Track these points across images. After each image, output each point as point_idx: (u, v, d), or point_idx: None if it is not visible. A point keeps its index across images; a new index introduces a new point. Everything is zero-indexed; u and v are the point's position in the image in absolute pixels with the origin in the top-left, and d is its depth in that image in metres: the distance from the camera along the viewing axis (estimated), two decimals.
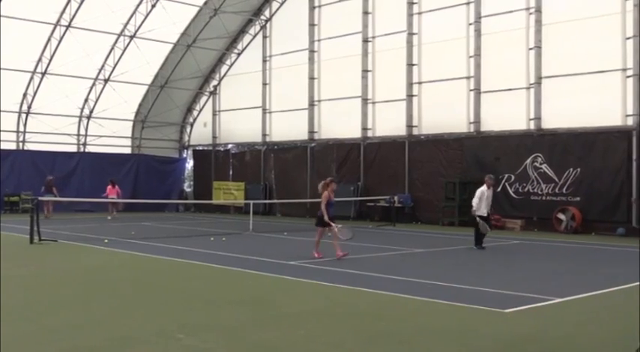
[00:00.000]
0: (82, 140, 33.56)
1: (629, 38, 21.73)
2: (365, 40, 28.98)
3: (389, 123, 28.10)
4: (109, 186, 28.39)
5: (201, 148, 36.96)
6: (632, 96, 21.70)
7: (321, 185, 14.79)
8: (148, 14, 30.02)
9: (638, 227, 21.27)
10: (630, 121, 21.77)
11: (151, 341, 7.11)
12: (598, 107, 22.36)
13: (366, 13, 28.92)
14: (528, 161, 23.76)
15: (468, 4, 25.66)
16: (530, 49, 23.95)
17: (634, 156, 21.52)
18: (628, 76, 21.79)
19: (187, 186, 38.64)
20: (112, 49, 31.15)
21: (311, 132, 31.10)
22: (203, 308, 8.98)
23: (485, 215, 16.89)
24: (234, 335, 7.43)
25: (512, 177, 24.06)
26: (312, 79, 31.08)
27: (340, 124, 29.98)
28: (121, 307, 9.03)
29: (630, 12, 21.69)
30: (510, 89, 24.48)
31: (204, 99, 36.35)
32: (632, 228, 21.36)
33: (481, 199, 16.75)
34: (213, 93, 35.92)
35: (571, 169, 22.74)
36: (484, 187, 16.93)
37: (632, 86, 21.66)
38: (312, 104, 31.10)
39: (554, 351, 6.93)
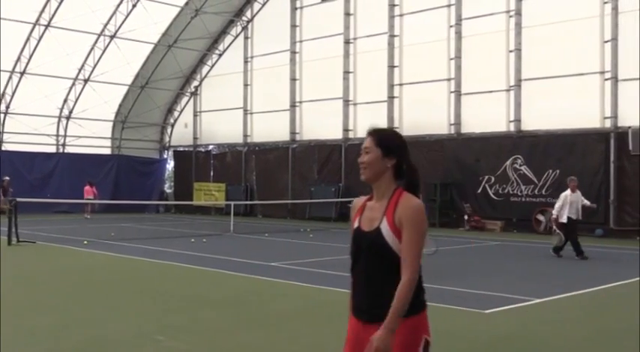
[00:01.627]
0: (62, 141, 33.26)
1: (607, 41, 21.99)
2: (347, 42, 29.03)
3: (370, 125, 27.93)
4: (87, 187, 28.63)
5: (181, 149, 36.78)
6: (609, 98, 21.95)
7: None
8: (128, 14, 29.84)
9: (616, 228, 21.52)
10: (608, 123, 22.02)
11: (131, 343, 7.06)
12: (577, 109, 22.59)
13: (347, 14, 28.98)
14: (508, 162, 23.94)
15: (448, 6, 25.80)
16: (511, 51, 24.14)
17: (612, 158, 21.76)
18: (606, 79, 22.04)
19: (168, 187, 38.43)
20: (92, 48, 30.92)
21: (292, 133, 31.09)
22: (183, 310, 8.93)
23: (574, 219, 15.27)
24: (215, 336, 7.41)
25: (493, 179, 24.22)
26: (293, 80, 31.06)
27: (322, 125, 30.00)
28: (100, 309, 8.96)
29: (608, 15, 21.95)
30: (490, 91, 24.65)
31: (185, 99, 36.19)
32: (610, 229, 21.60)
33: (564, 204, 15.25)
34: (194, 93, 35.78)
35: (550, 171, 22.94)
36: (567, 191, 15.45)
37: (610, 89, 21.91)
38: (293, 105, 31.09)
39: (534, 351, 6.99)
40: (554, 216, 15.52)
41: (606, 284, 11.31)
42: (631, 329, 8.09)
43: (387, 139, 3.63)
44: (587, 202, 15.79)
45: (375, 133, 3.67)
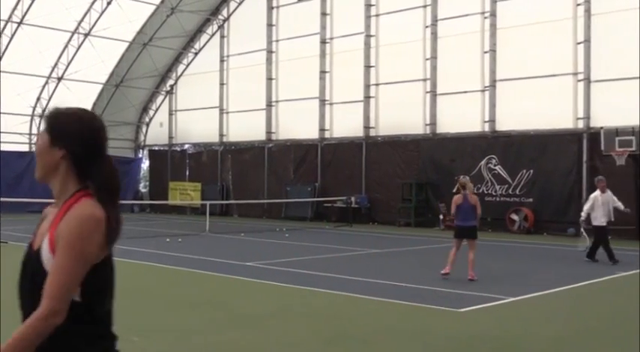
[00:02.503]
0: (34, 139, 32.82)
1: (579, 43, 22.27)
2: (323, 42, 29.05)
3: (346, 125, 28.22)
4: None
5: (157, 148, 36.52)
6: (582, 99, 22.24)
7: (459, 186, 12.24)
8: (103, 12, 29.53)
9: (588, 227, 21.72)
10: (581, 124, 22.31)
11: None
12: (550, 110, 22.85)
13: (324, 14, 28.99)
14: (483, 162, 24.14)
15: (424, 7, 25.94)
16: (485, 52, 24.35)
17: (584, 158, 22.05)
18: (579, 80, 22.33)
19: (143, 187, 38.13)
20: (66, 46, 30.57)
21: (268, 132, 31.03)
22: (158, 310, 8.87)
23: (604, 224, 14.29)
24: (190, 337, 7.37)
25: (468, 179, 24.35)
26: (269, 79, 31.01)
27: (298, 125, 29.99)
28: None
29: (581, 17, 22.23)
30: (466, 91, 24.83)
31: (160, 98, 35.94)
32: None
33: (594, 206, 14.29)
34: (169, 92, 35.54)
35: (524, 171, 23.18)
36: (597, 192, 14.46)
37: (583, 90, 22.20)
38: (269, 105, 31.03)
39: (508, 349, 7.06)
40: (582, 218, 14.70)
41: (579, 282, 11.46)
42: (605, 326, 8.21)
43: (59, 122, 2.67)
44: (620, 205, 14.65)
45: (50, 115, 2.70)
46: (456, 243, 11.88)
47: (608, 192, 14.51)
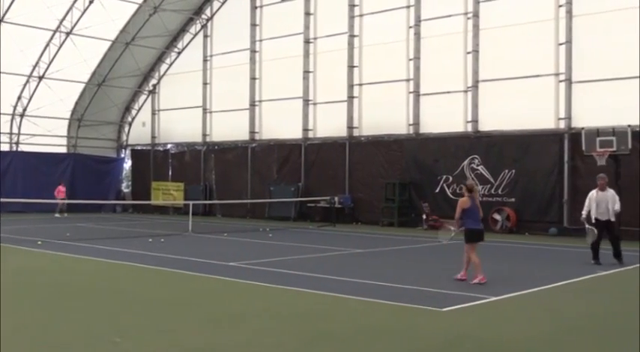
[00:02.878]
0: (15, 139, 32.52)
1: (561, 44, 22.46)
2: (306, 41, 29.04)
3: (330, 124, 28.24)
4: (59, 187, 30.04)
5: (139, 148, 36.32)
6: (563, 100, 22.42)
7: (464, 189, 11.97)
8: (85, 10, 29.31)
9: (569, 227, 21.97)
10: (562, 124, 22.49)
11: (86, 345, 6.95)
12: (532, 110, 23.01)
13: (307, 14, 28.99)
14: (465, 162, 24.26)
15: (408, 7, 26.02)
16: (468, 53, 24.46)
17: (565, 158, 22.24)
18: (560, 81, 22.51)
19: (125, 187, 37.90)
20: (48, 45, 30.31)
21: (252, 132, 30.97)
22: (141, 311, 8.83)
23: (601, 220, 14.09)
24: (173, 337, 7.34)
25: (450, 179, 24.51)
26: (253, 79, 30.96)
27: (281, 125, 29.96)
28: (55, 311, 8.80)
29: (563, 19, 22.42)
30: (449, 92, 24.94)
31: (143, 98, 35.75)
32: (564, 228, 22.06)
33: (591, 203, 14.25)
34: (152, 92, 35.36)
35: (506, 171, 23.32)
36: (594, 190, 14.39)
37: (564, 90, 22.38)
38: (253, 104, 30.98)
39: (490, 348, 7.09)
40: (583, 216, 14.50)
41: (560, 281, 11.54)
42: (585, 325, 8.28)
43: None
44: (617, 206, 14.15)
45: None
46: (472, 247, 11.46)
47: (609, 191, 14.23)
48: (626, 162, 19.95)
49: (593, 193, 14.37)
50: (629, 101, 20.81)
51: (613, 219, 14.13)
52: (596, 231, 14.13)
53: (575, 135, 21.76)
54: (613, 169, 19.83)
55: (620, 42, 21.25)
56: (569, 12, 22.25)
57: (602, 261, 14.14)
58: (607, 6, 21.46)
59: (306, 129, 29.07)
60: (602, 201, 14.10)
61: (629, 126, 19.75)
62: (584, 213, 14.45)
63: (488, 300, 9.67)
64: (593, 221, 14.16)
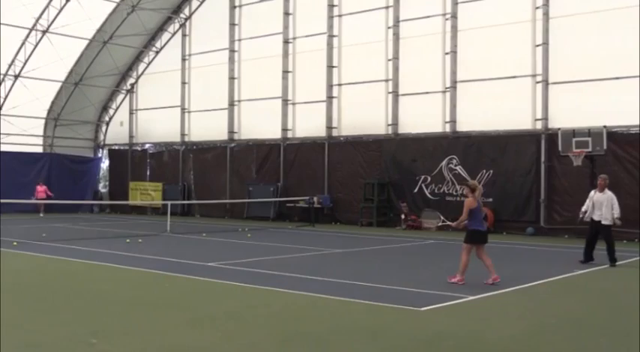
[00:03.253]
0: None
1: (538, 45, 22.67)
2: (286, 41, 29.01)
3: (309, 125, 28.25)
4: (38, 187, 30.23)
5: (117, 148, 36.04)
6: (540, 101, 22.64)
7: (467, 189, 11.56)
8: (62, 8, 29.00)
9: (546, 226, 22.19)
10: (539, 125, 22.71)
11: (63, 347, 6.88)
12: (510, 111, 23.21)
13: (287, 14, 28.96)
14: (444, 163, 24.39)
15: (387, 8, 26.10)
16: (447, 53, 24.60)
17: (542, 159, 22.45)
18: (537, 82, 22.72)
19: (102, 187, 37.60)
20: (23, 43, 29.95)
21: (231, 132, 30.88)
22: (118, 312, 8.76)
23: (596, 220, 14.03)
24: (150, 338, 7.29)
25: (429, 179, 24.63)
26: (232, 78, 30.86)
27: (260, 125, 29.91)
28: (31, 312, 8.69)
29: (540, 20, 22.63)
30: (427, 92, 25.06)
31: (120, 97, 35.48)
32: (541, 228, 22.27)
33: (588, 203, 14.23)
34: (130, 91, 35.11)
35: (484, 171, 23.48)
36: (594, 190, 14.36)
37: (541, 91, 22.60)
38: (232, 104, 30.88)
39: (467, 347, 7.14)
40: (580, 217, 14.54)
41: (537, 281, 11.64)
42: (562, 324, 8.36)
43: None
44: (616, 212, 13.97)
45: None
46: (469, 248, 11.25)
47: (607, 193, 14.04)
48: (602, 162, 20.18)
49: (592, 193, 14.33)
50: (604, 102, 21.08)
51: (605, 222, 13.95)
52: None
53: (551, 136, 21.98)
54: (589, 169, 20.07)
55: (596, 44, 21.51)
56: (546, 14, 22.47)
57: (596, 260, 14.09)
58: (583, 8, 21.71)
59: (285, 129, 29.04)
60: (598, 202, 14.03)
61: (604, 127, 19.99)
62: (582, 209, 14.41)
63: (466, 300, 9.73)
64: (588, 220, 14.16)
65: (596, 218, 14.06)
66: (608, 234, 14.07)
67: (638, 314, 8.62)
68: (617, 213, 13.97)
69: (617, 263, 13.96)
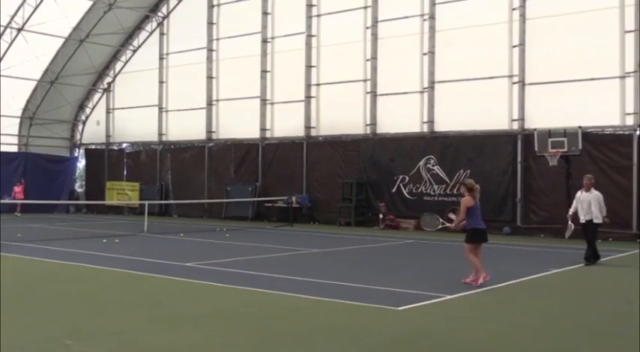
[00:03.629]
0: None
1: (515, 46, 22.87)
2: (264, 41, 28.96)
3: (287, 124, 28.22)
4: (16, 187, 30.05)
5: (93, 147, 35.73)
6: (517, 101, 22.84)
7: (463, 188, 11.52)
8: (37, 6, 28.70)
9: (522, 226, 22.39)
10: (515, 125, 22.91)
11: (38, 349, 6.80)
12: (487, 111, 23.39)
13: (265, 13, 28.91)
14: (421, 162, 24.51)
15: (365, 8, 26.17)
16: (424, 54, 24.72)
17: (519, 159, 22.66)
18: (514, 83, 22.92)
19: (79, 186, 37.25)
20: None
21: (209, 131, 30.75)
22: (94, 313, 8.68)
23: (583, 222, 14.16)
24: (127, 339, 7.24)
25: (407, 178, 24.73)
26: (210, 78, 30.74)
27: (238, 124, 29.82)
28: (5, 314, 8.58)
29: (516, 22, 22.84)
30: (405, 92, 25.16)
31: (97, 96, 35.17)
32: (517, 227, 22.48)
33: (576, 204, 14.37)
34: (107, 90, 34.81)
35: (461, 171, 23.63)
36: (581, 190, 14.44)
37: (518, 92, 22.80)
38: (210, 103, 30.76)
39: (443, 346, 7.18)
40: (568, 214, 14.59)
41: (513, 280, 11.74)
42: (537, 323, 8.44)
43: None
44: (603, 210, 14.17)
45: None
46: (472, 247, 11.10)
47: (594, 192, 14.18)
48: (577, 162, 20.44)
49: (578, 194, 14.42)
50: (580, 103, 21.34)
51: (596, 220, 14.04)
52: (572, 226, 14.26)
53: (528, 136, 22.20)
54: (564, 170, 20.30)
55: (572, 45, 21.77)
56: (523, 15, 22.68)
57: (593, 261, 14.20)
58: (559, 10, 21.97)
59: (263, 129, 28.99)
60: (586, 201, 14.13)
61: (579, 127, 20.25)
62: (570, 211, 14.51)
63: (443, 299, 9.79)
64: (582, 221, 14.20)
65: (582, 219, 14.13)
66: (593, 232, 14.23)
67: (613, 313, 8.72)
68: (604, 211, 14.16)
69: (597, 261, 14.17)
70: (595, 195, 14.16)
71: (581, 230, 14.35)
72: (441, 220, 11.41)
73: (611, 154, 20.99)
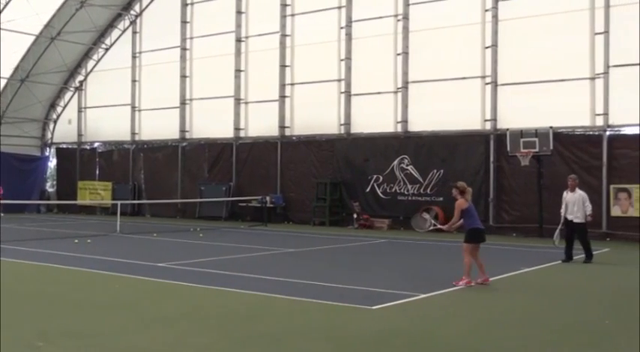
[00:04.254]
0: None
1: (487, 47, 23.09)
2: (238, 40, 28.86)
3: (261, 124, 28.16)
4: None
5: (65, 146, 35.30)
6: (489, 102, 23.06)
7: (455, 191, 11.48)
8: (7, 3, 28.28)
9: (494, 225, 22.60)
10: (488, 126, 23.13)
11: (8, 351, 6.70)
12: (460, 112, 23.57)
13: (239, 12, 28.81)
14: (395, 162, 24.62)
15: (339, 8, 26.21)
16: (398, 54, 24.84)
17: (491, 159, 22.88)
18: (486, 83, 23.14)
19: (50, 186, 36.77)
20: None
21: (182, 131, 30.56)
22: (66, 314, 8.59)
23: (568, 220, 14.43)
24: (99, 341, 7.17)
25: (381, 178, 24.83)
26: (183, 77, 30.55)
27: (212, 124, 29.68)
28: None
29: (489, 23, 23.06)
30: (379, 92, 25.26)
31: (69, 94, 34.73)
32: (490, 227, 22.63)
33: (564, 204, 14.56)
34: (78, 89, 34.40)
35: (435, 170, 23.80)
36: (566, 190, 14.63)
37: (490, 93, 23.02)
38: (183, 103, 30.57)
39: (417, 344, 7.23)
40: (562, 218, 14.70)
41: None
42: (509, 320, 8.54)
43: None
44: (587, 209, 14.35)
45: None
46: (474, 248, 11.11)
47: (578, 192, 14.37)
48: (548, 162, 20.71)
49: (564, 194, 14.60)
50: (551, 103, 21.62)
51: (577, 220, 14.28)
52: (557, 231, 14.66)
53: (500, 136, 22.42)
54: (536, 169, 20.55)
55: (543, 46, 22.03)
56: (495, 16, 22.91)
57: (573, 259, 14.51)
58: (531, 11, 22.23)
59: (237, 129, 28.90)
60: (571, 202, 14.35)
61: (551, 127, 20.53)
62: (561, 212, 14.66)
63: (417, 297, 9.85)
64: (562, 220, 14.53)
65: (569, 217, 14.39)
66: (581, 231, 14.47)
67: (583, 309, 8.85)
68: (588, 210, 14.35)
69: (592, 259, 14.51)
70: (579, 195, 14.36)
71: (565, 227, 14.58)
72: (433, 222, 11.29)
73: (582, 154, 21.29)
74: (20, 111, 32.96)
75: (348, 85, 25.91)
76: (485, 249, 11.48)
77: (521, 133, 20.80)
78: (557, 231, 14.97)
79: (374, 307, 9.05)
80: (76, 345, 6.95)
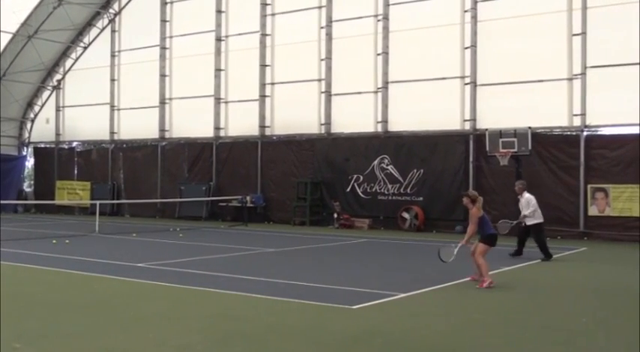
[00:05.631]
0: None
1: (467, 48, 23.23)
2: (218, 39, 28.76)
3: (242, 123, 28.09)
4: None
5: (43, 146, 34.97)
6: (469, 102, 23.21)
7: (467, 199, 11.53)
8: None
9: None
10: (467, 126, 23.27)
11: None
12: (439, 112, 23.70)
13: (219, 11, 28.71)
14: (376, 162, 24.69)
15: (319, 8, 26.23)
16: (378, 54, 24.91)
17: (471, 159, 23.02)
18: (466, 84, 23.28)
19: (27, 186, 36.40)
20: None
21: (162, 130, 30.40)
22: (44, 315, 8.50)
23: (523, 224, 15.36)
24: (77, 342, 7.11)
25: (361, 178, 24.89)
26: (163, 76, 30.38)
27: (192, 123, 29.56)
28: None
29: (468, 24, 23.20)
30: (359, 92, 25.31)
31: (46, 93, 34.40)
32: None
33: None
34: (56, 87, 34.08)
35: (415, 170, 23.90)
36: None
37: (470, 93, 23.17)
38: (163, 102, 30.40)
39: (396, 344, 7.26)
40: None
41: (466, 277, 11.92)
42: (489, 319, 8.60)
43: None
44: (525, 210, 15.21)
45: None
46: (487, 250, 11.41)
47: (525, 195, 15.25)
48: (527, 162, 20.88)
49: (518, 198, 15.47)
50: (529, 104, 21.81)
51: (529, 222, 15.11)
52: (499, 226, 14.84)
53: (479, 136, 22.57)
54: (514, 169, 20.70)
55: (522, 47, 22.20)
56: (474, 17, 23.06)
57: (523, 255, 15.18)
58: (510, 12, 22.40)
59: (217, 128, 28.80)
60: (521, 206, 15.35)
61: (529, 127, 20.69)
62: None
63: (397, 297, 9.89)
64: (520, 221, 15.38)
65: (523, 220, 15.28)
66: (535, 232, 15.17)
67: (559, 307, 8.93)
68: (526, 211, 15.10)
69: (552, 257, 14.93)
70: (525, 198, 15.23)
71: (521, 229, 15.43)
72: (457, 251, 11.46)
73: (559, 154, 21.51)
74: None
75: (329, 84, 25.93)
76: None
77: (500, 133, 20.95)
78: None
79: (354, 307, 9.07)
80: (54, 347, 6.89)
